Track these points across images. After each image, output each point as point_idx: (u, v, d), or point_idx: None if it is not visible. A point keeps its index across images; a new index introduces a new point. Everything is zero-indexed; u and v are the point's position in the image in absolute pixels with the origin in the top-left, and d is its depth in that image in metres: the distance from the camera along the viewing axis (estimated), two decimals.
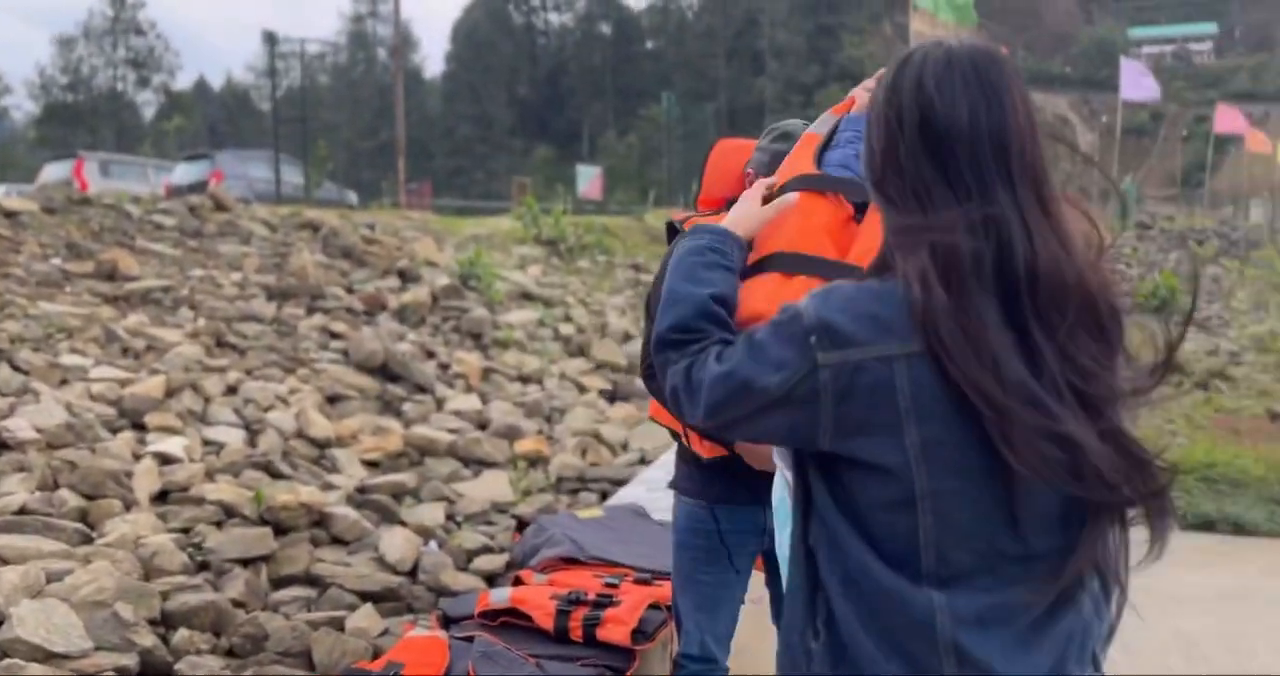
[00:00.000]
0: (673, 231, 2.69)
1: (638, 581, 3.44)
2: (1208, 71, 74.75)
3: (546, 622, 3.13)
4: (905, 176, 1.13)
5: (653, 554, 3.67)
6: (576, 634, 3.10)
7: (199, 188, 16.87)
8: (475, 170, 71.90)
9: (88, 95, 55.20)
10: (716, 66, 78.01)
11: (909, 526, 1.10)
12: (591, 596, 3.21)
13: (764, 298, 1.53)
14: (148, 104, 60.41)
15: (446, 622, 3.31)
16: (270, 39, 14.00)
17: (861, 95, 1.81)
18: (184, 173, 19.53)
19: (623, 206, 26.62)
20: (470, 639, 3.08)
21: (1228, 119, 29.66)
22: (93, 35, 57.06)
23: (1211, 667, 4.26)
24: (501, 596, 3.27)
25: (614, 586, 3.36)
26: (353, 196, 22.46)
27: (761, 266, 1.59)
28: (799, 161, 1.77)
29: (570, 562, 3.62)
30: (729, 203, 2.61)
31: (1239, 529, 6.99)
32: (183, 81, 75.10)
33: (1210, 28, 79.57)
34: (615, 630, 3.07)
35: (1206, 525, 7.14)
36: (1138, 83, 23.52)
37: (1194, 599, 5.03)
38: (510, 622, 3.20)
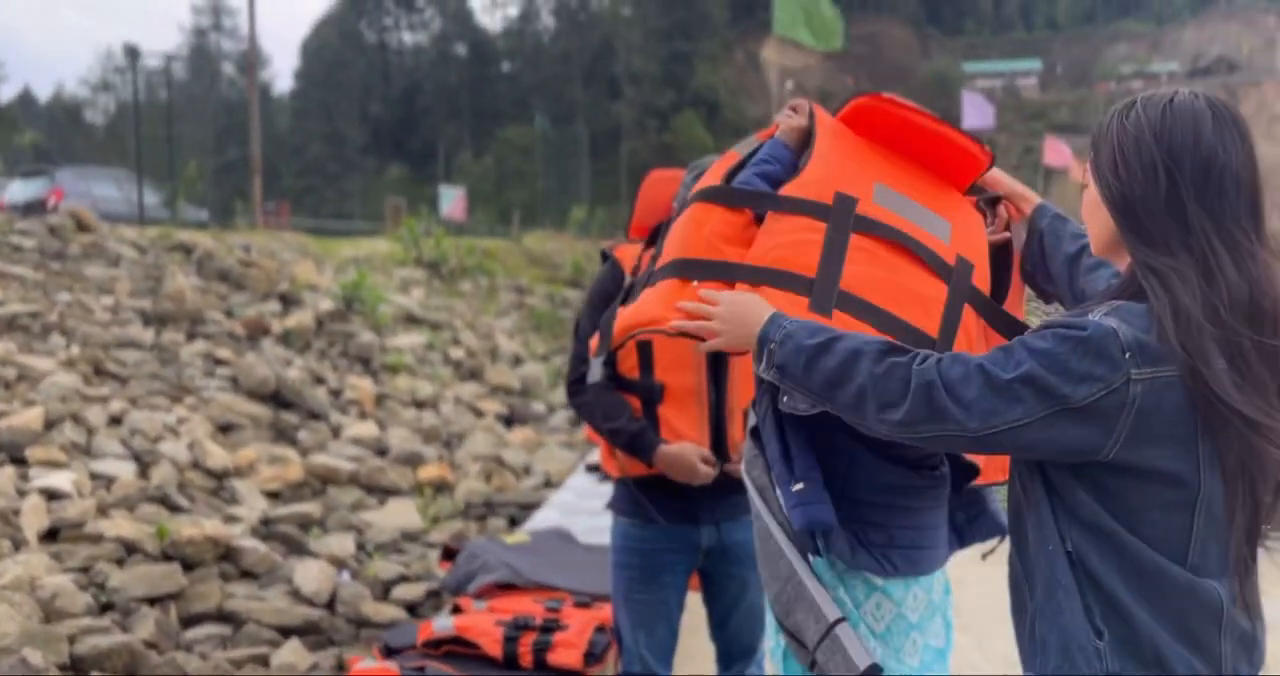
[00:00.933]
0: (605, 259, 2.79)
1: (577, 604, 3.46)
2: (1034, 105, 79.81)
3: (495, 649, 3.11)
4: (1174, 219, 1.22)
5: (587, 577, 3.69)
6: (526, 660, 3.09)
7: (37, 206, 15.86)
8: (326, 189, 70.06)
9: None
10: (574, 90, 78.56)
11: (1182, 525, 1.21)
12: (539, 621, 3.21)
13: (659, 302, 1.66)
14: None
15: (389, 653, 3.25)
16: (132, 53, 13.27)
17: (784, 122, 1.92)
18: (20, 190, 18.37)
19: (488, 228, 26.43)
20: (421, 669, 3.04)
21: (1055, 151, 31.67)
22: None
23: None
24: (445, 625, 3.23)
25: (556, 610, 3.37)
26: (205, 216, 21.58)
27: (658, 275, 1.71)
28: (710, 177, 1.88)
29: (508, 588, 3.61)
30: (656, 229, 2.72)
31: None
32: (6, 93, 70.61)
33: (1035, 64, 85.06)
34: (566, 654, 3.08)
35: None
36: (977, 111, 24.93)
37: None
38: (455, 651, 3.17)
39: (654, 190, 2.84)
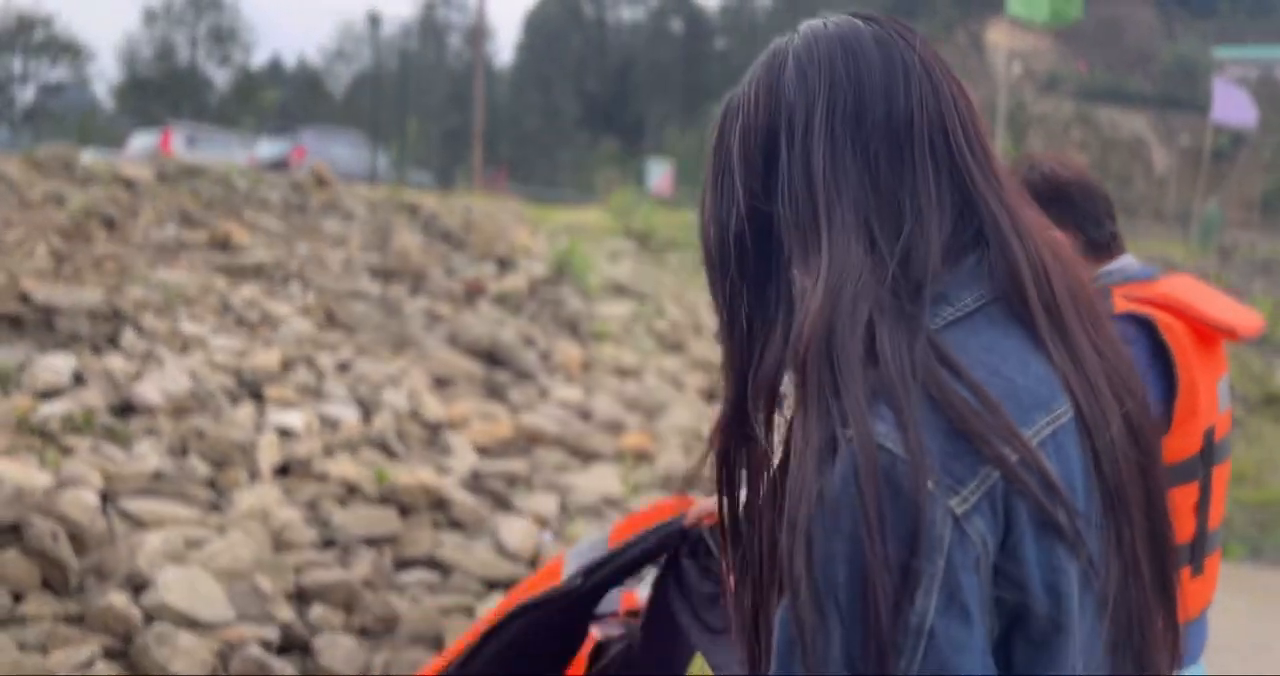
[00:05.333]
0: None
1: None
2: None
3: None
4: None
5: None
6: None
7: (281, 164, 17.10)
8: (540, 159, 72.21)
9: (169, 67, 56.35)
10: None
11: None
12: None
13: None
14: (225, 79, 61.40)
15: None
16: (374, 21, 14.08)
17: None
18: (268, 148, 19.82)
19: (692, 203, 26.47)
20: (623, 637, 3.03)
21: None
22: (175, 9, 58.13)
23: None
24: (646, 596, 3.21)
25: None
26: (428, 179, 22.65)
27: None
28: None
29: None
30: None
31: None
32: (257, 59, 76.41)
33: None
34: None
35: None
36: (1233, 106, 22.79)
37: None
38: None
39: None
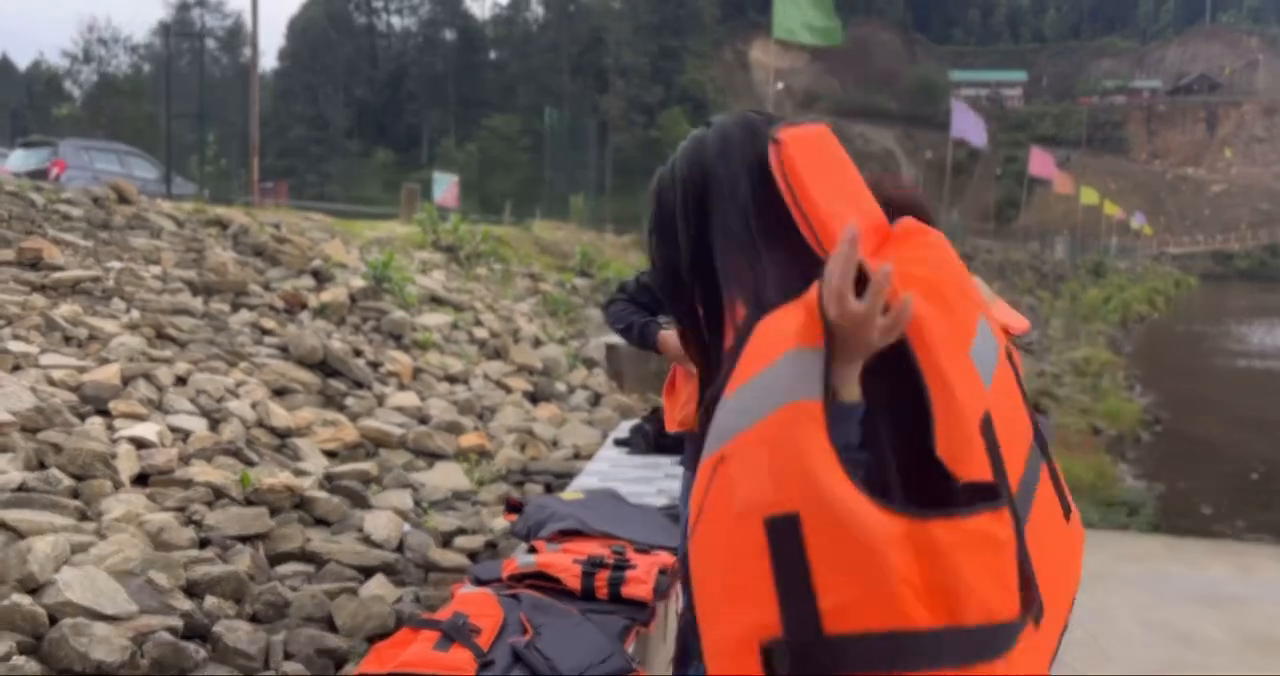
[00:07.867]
0: None
1: (638, 550, 3.92)
2: (1017, 115, 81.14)
3: (574, 583, 3.56)
4: None
5: (641, 530, 4.15)
6: (602, 592, 3.54)
7: (39, 176, 16.13)
8: (308, 171, 69.95)
9: None
10: (561, 81, 78.73)
11: None
12: (610, 561, 3.66)
13: None
14: None
15: (478, 584, 3.68)
16: (166, 30, 13.55)
17: None
18: (22, 159, 18.59)
19: (478, 215, 26.73)
20: (515, 595, 3.48)
21: (1040, 162, 32.38)
22: None
23: (1084, 632, 5.11)
24: (528, 561, 3.67)
25: (622, 554, 3.82)
26: (202, 192, 21.83)
27: None
28: None
29: (576, 535, 4.05)
30: None
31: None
32: None
33: (1020, 75, 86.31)
34: (638, 588, 3.53)
35: None
36: (969, 125, 25.46)
37: None
38: (538, 584, 3.61)
39: None
